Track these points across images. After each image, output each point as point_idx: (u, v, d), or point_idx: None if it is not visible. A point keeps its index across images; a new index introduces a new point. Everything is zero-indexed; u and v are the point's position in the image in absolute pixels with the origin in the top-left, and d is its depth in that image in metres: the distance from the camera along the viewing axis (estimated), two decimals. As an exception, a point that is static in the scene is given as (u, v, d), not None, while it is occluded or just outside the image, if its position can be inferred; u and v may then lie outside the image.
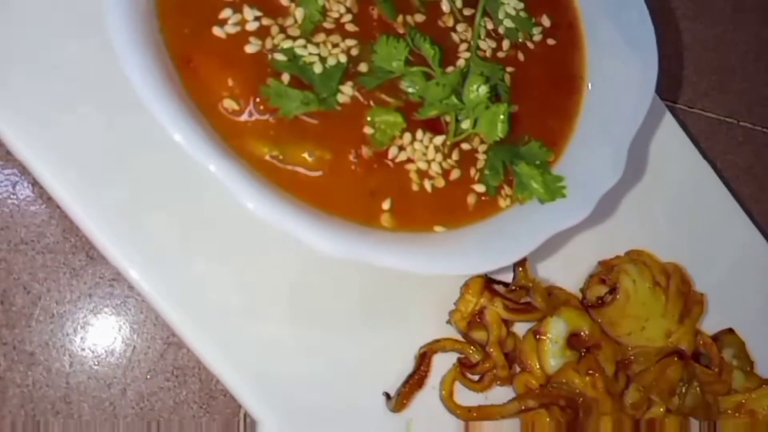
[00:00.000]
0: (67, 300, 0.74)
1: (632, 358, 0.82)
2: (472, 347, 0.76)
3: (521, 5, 0.77)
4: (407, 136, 0.68)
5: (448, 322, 0.77)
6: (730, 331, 0.90)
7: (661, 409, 0.80)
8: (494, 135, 0.70)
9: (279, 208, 0.61)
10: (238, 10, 0.65)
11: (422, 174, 0.69)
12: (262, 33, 0.66)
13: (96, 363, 0.74)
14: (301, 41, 0.66)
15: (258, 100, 0.64)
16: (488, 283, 0.76)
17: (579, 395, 0.75)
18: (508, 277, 0.80)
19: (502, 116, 0.69)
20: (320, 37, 0.67)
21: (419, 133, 0.69)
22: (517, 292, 0.77)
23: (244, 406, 0.69)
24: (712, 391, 0.84)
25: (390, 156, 0.68)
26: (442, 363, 0.76)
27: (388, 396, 0.73)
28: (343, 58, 0.67)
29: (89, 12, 0.65)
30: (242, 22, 0.65)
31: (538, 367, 0.77)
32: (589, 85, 0.79)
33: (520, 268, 0.79)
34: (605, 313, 0.80)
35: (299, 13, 0.67)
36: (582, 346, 0.79)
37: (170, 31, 0.63)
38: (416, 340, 0.76)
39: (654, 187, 0.93)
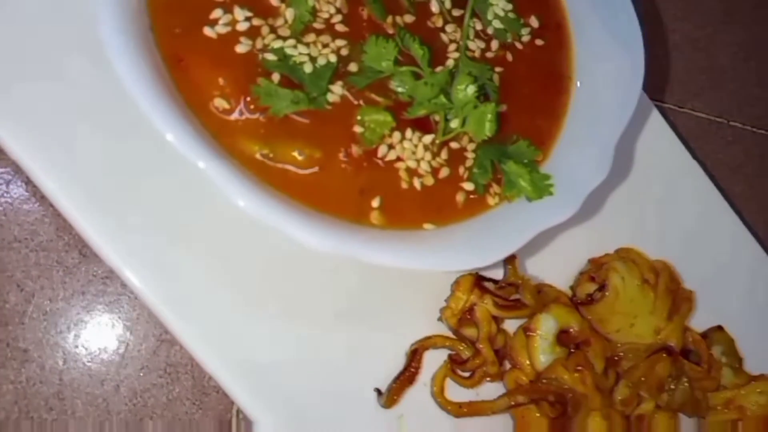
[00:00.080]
0: (60, 297, 0.75)
1: (622, 354, 0.83)
2: (462, 344, 0.77)
3: (510, 6, 0.78)
4: (397, 135, 0.69)
5: (440, 319, 0.78)
6: (720, 328, 0.91)
7: (651, 406, 0.81)
8: (482, 134, 0.70)
9: (270, 205, 0.62)
10: (228, 10, 0.66)
11: (411, 172, 0.70)
12: (253, 33, 0.67)
13: (89, 360, 0.74)
14: (292, 41, 0.67)
15: (248, 99, 0.64)
16: (478, 280, 0.77)
17: (568, 391, 0.75)
18: (498, 275, 0.81)
19: (490, 115, 0.70)
20: (310, 37, 0.68)
21: (408, 132, 0.70)
22: (506, 289, 0.78)
23: (237, 403, 0.70)
24: (701, 388, 0.85)
25: (379, 154, 0.69)
26: (434, 360, 0.76)
27: (379, 392, 0.74)
28: (333, 58, 0.68)
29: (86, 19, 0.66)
30: (233, 22, 0.66)
31: (528, 363, 0.77)
32: (578, 83, 0.80)
33: (510, 266, 0.80)
34: (595, 310, 0.81)
35: (289, 13, 0.68)
36: (571, 342, 0.79)
37: (161, 30, 0.64)
38: (408, 337, 0.76)
39: (644, 185, 0.94)
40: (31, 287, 0.74)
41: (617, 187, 0.92)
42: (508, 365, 0.79)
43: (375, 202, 0.68)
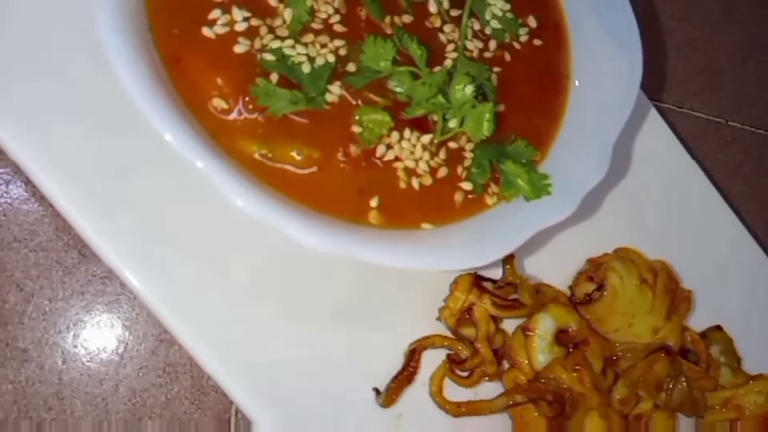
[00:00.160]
0: (59, 297, 0.75)
1: (620, 354, 0.83)
2: (461, 343, 0.77)
3: (508, 6, 0.78)
4: (395, 135, 0.69)
5: (438, 319, 0.78)
6: (718, 328, 0.91)
7: (649, 405, 0.81)
8: (480, 134, 0.71)
9: (268, 205, 0.62)
10: (227, 10, 0.66)
11: (410, 172, 0.70)
12: (251, 33, 0.67)
13: (88, 360, 0.75)
14: (290, 41, 0.67)
15: (247, 99, 0.65)
16: (477, 280, 0.77)
17: (566, 390, 0.76)
18: (497, 274, 0.81)
19: (488, 115, 0.70)
20: (309, 38, 0.68)
21: (407, 132, 0.70)
22: (505, 289, 0.78)
23: (236, 403, 0.70)
24: (700, 387, 0.85)
25: (378, 154, 0.69)
26: (432, 359, 0.76)
27: (377, 391, 0.74)
28: (331, 58, 0.68)
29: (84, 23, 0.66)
30: (231, 23, 0.66)
31: (526, 362, 0.78)
32: (576, 83, 0.80)
33: (508, 266, 0.80)
34: (593, 309, 0.81)
35: (288, 13, 0.68)
36: (570, 342, 0.80)
37: (160, 31, 0.64)
38: (406, 337, 0.77)
39: (642, 185, 0.94)
40: (31, 287, 0.74)
41: (616, 187, 0.92)
42: (507, 365, 0.79)
43: (373, 202, 0.68)
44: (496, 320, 0.78)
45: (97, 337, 0.76)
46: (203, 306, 0.69)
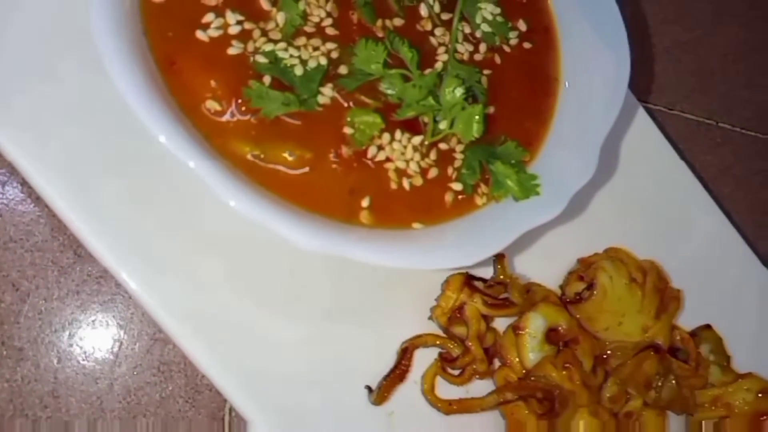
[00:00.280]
0: (55, 297, 0.76)
1: (610, 352, 0.84)
2: (452, 342, 0.77)
3: (498, 10, 0.80)
4: (386, 136, 0.70)
5: (430, 318, 0.79)
6: (708, 327, 0.92)
7: (639, 403, 0.82)
8: (470, 135, 0.72)
9: (261, 205, 0.63)
10: (220, 14, 0.67)
11: (401, 173, 0.71)
12: (244, 36, 0.68)
13: (83, 358, 0.75)
14: (283, 44, 0.68)
15: (240, 101, 0.66)
16: (468, 279, 0.78)
17: (556, 388, 0.76)
18: (488, 274, 0.82)
19: (477, 117, 0.71)
20: (301, 41, 0.69)
21: (398, 134, 0.71)
22: (495, 288, 0.79)
23: (231, 403, 0.71)
24: (689, 385, 0.86)
25: (369, 155, 0.70)
26: (424, 358, 0.77)
27: (369, 389, 0.75)
28: (323, 61, 0.69)
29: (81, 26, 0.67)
30: (225, 26, 0.67)
31: (517, 361, 0.78)
32: (565, 85, 0.81)
33: (499, 265, 0.81)
34: (583, 308, 0.82)
35: (281, 17, 0.69)
36: (560, 340, 0.80)
37: (154, 34, 0.65)
38: (399, 336, 0.77)
39: (633, 186, 0.95)
40: (27, 287, 0.75)
41: (607, 188, 0.93)
42: (498, 363, 0.80)
43: (365, 202, 0.69)
44: (487, 319, 0.79)
45: (93, 336, 0.76)
46: (198, 306, 0.69)
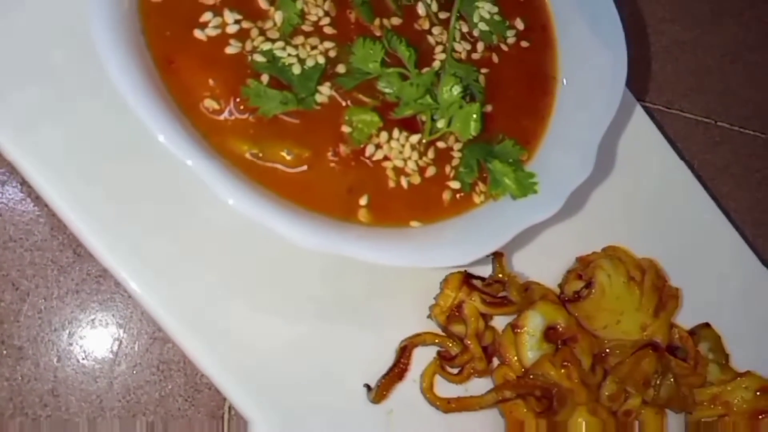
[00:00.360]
0: (54, 296, 0.76)
1: (608, 351, 0.84)
2: (451, 340, 0.78)
3: (495, 9, 0.80)
4: (384, 135, 0.71)
5: (429, 317, 0.79)
6: (707, 325, 0.92)
7: (638, 401, 0.82)
8: (467, 133, 0.72)
9: (259, 204, 0.63)
10: (218, 13, 0.68)
11: (399, 171, 0.71)
12: (242, 35, 0.68)
13: (83, 357, 0.76)
14: (280, 43, 0.69)
15: (238, 100, 0.66)
16: (467, 278, 0.78)
17: (554, 386, 0.77)
18: (487, 273, 0.82)
19: (475, 115, 0.71)
20: (299, 40, 0.70)
21: (396, 132, 0.71)
22: (494, 287, 0.79)
23: (231, 402, 0.71)
24: (688, 384, 0.86)
25: (367, 154, 0.70)
26: (423, 357, 0.77)
27: (368, 388, 0.75)
28: (321, 60, 0.69)
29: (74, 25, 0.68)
30: (223, 25, 0.67)
31: (515, 359, 0.79)
32: (563, 83, 0.81)
33: (498, 264, 0.81)
34: (581, 307, 0.82)
35: (278, 16, 0.69)
36: (559, 339, 0.81)
37: (152, 33, 0.65)
38: (398, 334, 0.77)
39: (632, 185, 0.95)
40: (26, 286, 0.75)
41: (606, 187, 0.93)
42: (497, 362, 0.80)
43: (363, 201, 0.69)
44: (485, 318, 0.79)
45: (92, 335, 0.77)
46: (198, 306, 0.70)
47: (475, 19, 0.79)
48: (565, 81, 0.81)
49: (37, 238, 0.76)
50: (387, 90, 0.72)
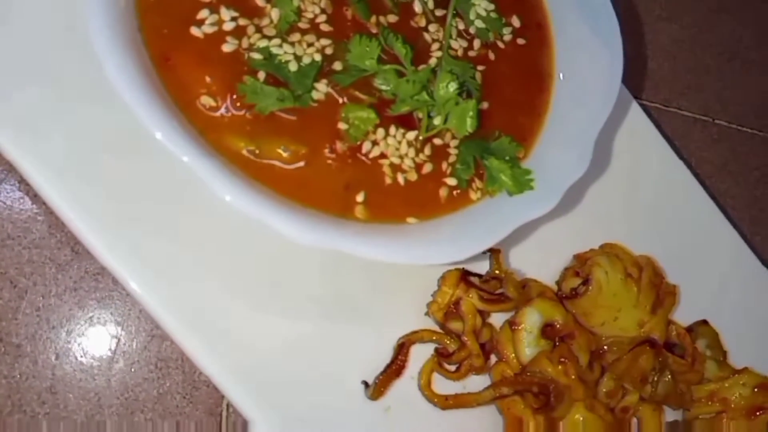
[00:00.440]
0: (52, 294, 0.76)
1: (606, 347, 0.84)
2: (448, 337, 0.78)
3: (492, 6, 0.80)
4: (381, 132, 0.71)
5: (427, 314, 0.79)
6: (704, 322, 0.92)
7: (635, 398, 0.82)
8: (464, 130, 0.72)
9: (256, 200, 0.63)
10: (215, 10, 0.68)
11: (395, 168, 0.71)
12: (239, 32, 0.68)
13: (81, 355, 0.76)
14: (277, 40, 0.69)
15: (235, 96, 0.66)
16: (464, 275, 0.78)
17: (551, 382, 0.77)
18: (484, 270, 0.82)
19: (471, 112, 0.71)
20: (295, 37, 0.70)
21: (392, 129, 0.71)
22: (491, 283, 0.80)
23: (229, 399, 0.71)
24: (686, 380, 0.86)
25: (364, 151, 0.70)
26: (421, 354, 0.78)
27: (366, 384, 0.75)
28: (317, 57, 0.70)
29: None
30: (219, 22, 0.68)
31: (513, 356, 0.79)
32: (559, 80, 0.81)
33: (495, 261, 0.81)
34: (579, 303, 0.82)
35: (275, 13, 0.70)
36: (556, 336, 0.81)
37: (149, 30, 0.65)
38: (396, 331, 0.78)
39: (629, 182, 0.95)
40: (24, 284, 0.76)
41: (603, 185, 0.93)
42: (495, 359, 0.81)
43: (359, 197, 0.69)
44: (483, 314, 0.79)
45: (90, 332, 0.77)
46: (197, 305, 0.70)
47: (472, 17, 0.79)
48: (561, 78, 0.82)
49: (35, 236, 0.77)
50: (383, 87, 0.72)
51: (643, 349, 0.82)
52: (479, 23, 0.79)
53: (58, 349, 0.75)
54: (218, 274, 0.72)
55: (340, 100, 0.70)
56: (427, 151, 0.73)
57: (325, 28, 0.71)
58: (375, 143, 0.70)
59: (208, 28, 0.67)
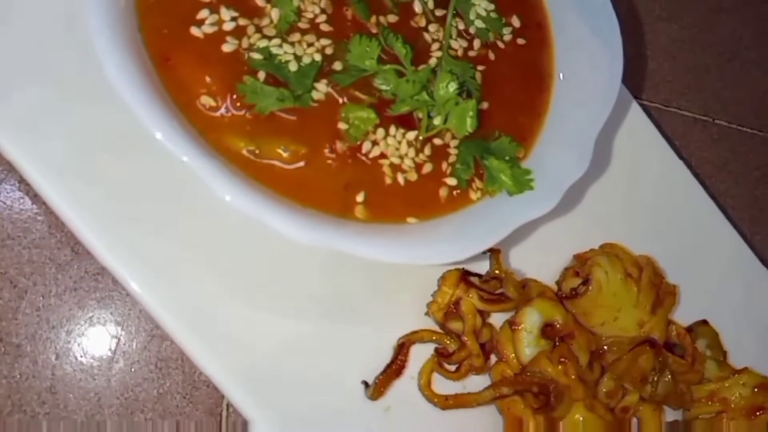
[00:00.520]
0: (52, 294, 0.76)
1: (606, 347, 0.84)
2: (448, 337, 0.78)
3: (492, 6, 0.80)
4: (380, 132, 0.71)
5: (427, 314, 0.79)
6: (704, 322, 0.92)
7: (635, 398, 0.82)
8: (464, 130, 0.72)
9: (256, 200, 0.63)
10: (215, 10, 0.68)
11: (395, 168, 0.71)
12: (239, 32, 0.68)
13: (81, 355, 0.76)
14: (277, 40, 0.69)
15: (234, 96, 0.66)
16: (464, 275, 0.79)
17: (551, 382, 0.77)
18: (484, 270, 0.82)
19: (471, 112, 0.71)
20: (295, 37, 0.70)
21: (392, 129, 0.71)
22: (491, 283, 0.80)
23: (230, 399, 0.71)
24: (686, 380, 0.86)
25: (364, 151, 0.70)
26: (421, 354, 0.78)
27: (366, 384, 0.75)
28: (317, 57, 0.70)
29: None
30: (219, 22, 0.68)
31: (513, 356, 0.79)
32: (559, 80, 0.81)
33: (495, 261, 0.81)
34: (579, 303, 0.82)
35: (275, 13, 0.70)
36: (556, 335, 0.81)
37: (149, 30, 0.65)
38: (396, 331, 0.78)
39: (630, 183, 0.96)
40: (24, 284, 0.76)
41: (604, 185, 0.93)
42: (495, 359, 0.81)
43: (359, 197, 0.69)
44: (483, 314, 0.79)
45: (90, 332, 0.77)
46: (197, 305, 0.70)
47: (472, 17, 0.79)
48: (561, 78, 0.82)
49: (35, 236, 0.77)
50: (383, 87, 0.72)
51: (643, 349, 0.82)
52: (479, 23, 0.79)
53: (58, 349, 0.75)
54: (218, 274, 0.72)
55: (340, 100, 0.70)
56: (427, 151, 0.73)
57: (325, 28, 0.71)
58: (375, 143, 0.70)
59: (208, 28, 0.67)
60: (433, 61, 0.75)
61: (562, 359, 0.77)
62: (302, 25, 0.71)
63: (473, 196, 0.74)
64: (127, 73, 0.61)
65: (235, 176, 0.63)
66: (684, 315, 0.91)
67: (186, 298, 0.70)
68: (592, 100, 0.79)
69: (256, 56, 0.68)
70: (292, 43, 0.69)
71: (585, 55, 0.81)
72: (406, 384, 0.76)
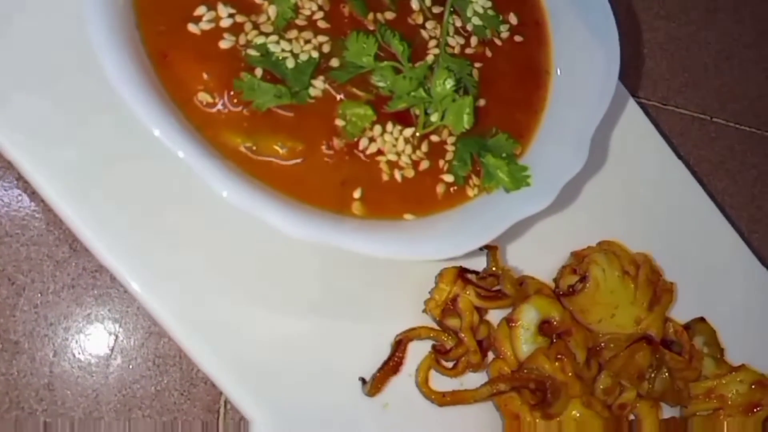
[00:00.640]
0: (50, 291, 0.76)
1: (603, 344, 0.84)
2: (445, 334, 0.78)
3: (489, 4, 0.80)
4: (377, 128, 0.71)
5: (424, 311, 0.79)
6: (702, 319, 0.92)
7: (632, 395, 0.82)
8: (460, 126, 0.72)
9: (253, 196, 0.63)
10: (212, 7, 0.68)
11: (392, 165, 0.71)
12: (236, 29, 0.68)
13: (79, 352, 0.76)
14: (274, 37, 0.69)
15: (232, 93, 0.66)
16: (461, 272, 0.79)
17: (548, 379, 0.77)
18: (482, 267, 0.82)
19: (467, 109, 0.72)
20: (293, 34, 0.70)
21: (389, 126, 0.71)
22: (488, 280, 0.80)
23: (228, 397, 0.71)
24: (683, 377, 0.86)
25: (361, 147, 0.70)
26: (419, 351, 0.78)
27: (363, 381, 0.75)
28: (314, 54, 0.70)
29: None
30: (216, 19, 0.68)
31: (510, 353, 0.79)
32: (556, 77, 0.81)
33: (492, 257, 0.81)
34: (576, 301, 0.82)
35: (272, 10, 0.70)
36: (553, 332, 0.81)
37: (147, 27, 0.65)
38: (393, 328, 0.78)
39: (627, 180, 0.96)
40: (22, 281, 0.76)
41: (601, 183, 0.94)
42: (492, 356, 0.81)
43: (356, 194, 0.70)
44: (480, 312, 0.79)
45: (88, 329, 0.77)
46: (196, 303, 0.70)
47: (469, 14, 0.79)
48: (558, 75, 0.82)
49: (33, 233, 0.77)
50: (380, 84, 0.72)
51: (640, 346, 0.82)
52: (476, 20, 0.79)
53: (55, 346, 0.75)
54: (217, 272, 0.72)
55: (337, 97, 0.70)
56: (424, 147, 0.73)
57: (322, 25, 0.72)
58: (372, 140, 0.71)
59: (205, 25, 0.67)
60: (430, 58, 0.75)
61: (559, 356, 0.77)
62: (299, 22, 0.71)
63: (470, 192, 0.74)
64: (124, 70, 0.61)
65: (232, 172, 0.63)
66: (681, 312, 0.92)
67: (184, 296, 0.70)
68: (589, 97, 0.79)
69: (253, 53, 0.68)
70: (290, 40, 0.70)
71: (582, 53, 0.82)
72: (404, 381, 0.77)
